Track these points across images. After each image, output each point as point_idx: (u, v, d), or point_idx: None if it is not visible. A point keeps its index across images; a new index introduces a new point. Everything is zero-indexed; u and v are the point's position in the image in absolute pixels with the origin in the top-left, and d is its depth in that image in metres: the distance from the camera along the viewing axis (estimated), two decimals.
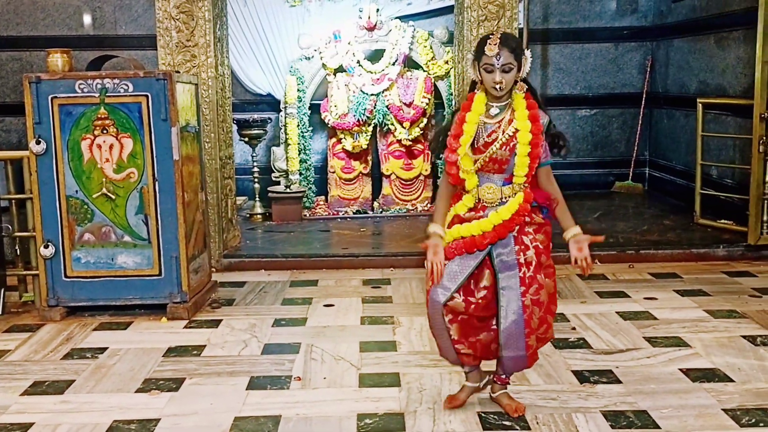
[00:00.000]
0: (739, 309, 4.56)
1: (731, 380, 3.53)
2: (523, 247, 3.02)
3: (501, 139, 2.95)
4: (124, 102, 4.40)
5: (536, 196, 3.05)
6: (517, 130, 2.94)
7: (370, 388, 3.51)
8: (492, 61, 2.87)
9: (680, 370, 3.66)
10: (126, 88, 4.39)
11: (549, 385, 3.52)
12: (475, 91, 3.03)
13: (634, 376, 3.59)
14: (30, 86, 4.37)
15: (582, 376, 3.60)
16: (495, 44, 2.86)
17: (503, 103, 2.98)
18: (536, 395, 3.40)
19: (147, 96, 4.39)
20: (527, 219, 3.03)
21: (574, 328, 4.27)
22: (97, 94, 4.38)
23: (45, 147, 4.42)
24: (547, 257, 3.12)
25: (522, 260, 3.02)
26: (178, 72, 4.74)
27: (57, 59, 4.51)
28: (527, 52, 2.95)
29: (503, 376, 3.24)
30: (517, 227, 3.02)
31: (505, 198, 3.01)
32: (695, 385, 3.49)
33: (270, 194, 7.22)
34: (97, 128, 4.42)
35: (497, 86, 2.90)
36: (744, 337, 4.09)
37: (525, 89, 3.00)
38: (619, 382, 3.53)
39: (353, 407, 3.31)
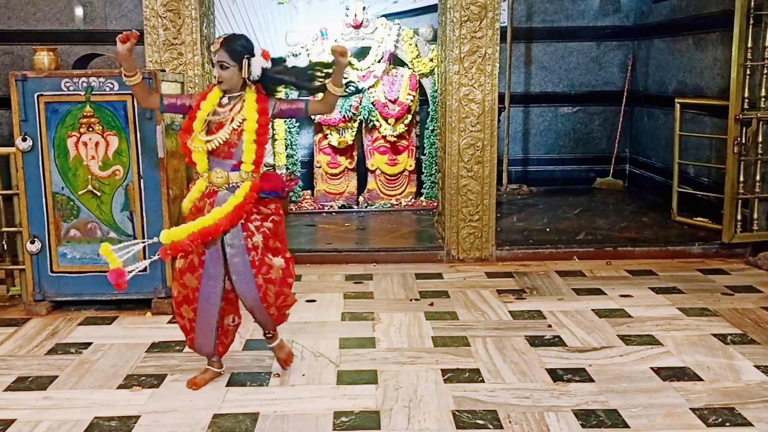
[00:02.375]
0: (711, 307, 4.65)
1: (700, 379, 3.61)
2: (249, 233, 3.38)
3: (232, 126, 3.31)
4: (109, 100, 4.45)
5: (265, 186, 3.40)
6: (245, 119, 3.31)
7: (347, 386, 3.58)
8: (212, 57, 3.31)
9: (651, 368, 3.74)
10: (111, 86, 4.44)
11: (523, 383, 3.59)
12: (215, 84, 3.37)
13: (607, 375, 3.67)
14: (16, 84, 4.42)
15: (556, 375, 3.68)
16: (217, 43, 3.28)
17: (234, 95, 3.36)
18: (510, 393, 3.48)
19: (132, 94, 4.44)
20: (255, 209, 3.38)
21: (550, 326, 4.36)
22: (82, 92, 4.43)
23: (31, 144, 4.47)
24: (276, 240, 3.47)
25: (250, 245, 3.38)
26: (163, 70, 4.79)
27: (43, 57, 4.55)
28: (254, 59, 3.29)
29: (268, 334, 3.68)
30: (245, 215, 3.36)
31: (233, 183, 3.36)
32: (665, 384, 3.57)
33: None
34: (83, 126, 4.47)
35: (216, 80, 3.31)
36: (715, 335, 4.18)
37: (253, 88, 3.35)
38: (592, 380, 3.61)
39: (330, 405, 3.38)
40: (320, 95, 3.43)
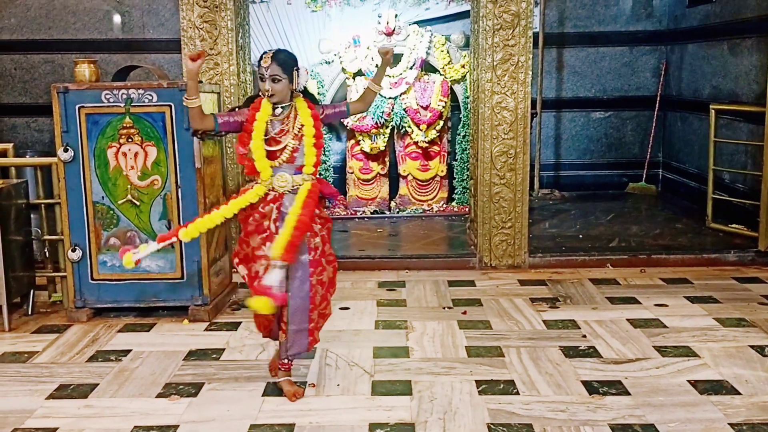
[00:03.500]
0: (748, 317, 4.60)
1: (738, 393, 3.57)
2: (312, 233, 3.50)
3: (293, 132, 3.48)
4: (148, 111, 4.53)
5: (324, 189, 3.59)
6: (303, 125, 3.49)
7: (382, 396, 3.59)
8: (262, 71, 3.42)
9: (688, 381, 3.70)
10: (150, 98, 4.51)
11: (558, 396, 3.58)
12: (261, 96, 3.50)
13: (643, 388, 3.64)
14: (58, 96, 4.51)
15: (591, 387, 3.66)
16: (268, 58, 3.40)
17: (285, 104, 3.50)
18: (545, 406, 3.47)
19: (170, 106, 4.51)
20: (316, 211, 3.50)
21: (584, 336, 4.34)
22: (122, 104, 4.51)
23: (72, 155, 4.56)
24: (329, 248, 3.62)
25: (312, 245, 3.51)
26: (200, 81, 4.85)
27: (84, 69, 4.63)
28: (302, 69, 3.49)
29: (285, 361, 3.64)
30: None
31: (296, 186, 3.49)
32: (703, 397, 3.53)
33: None
34: (123, 137, 4.55)
35: (266, 93, 3.43)
36: (752, 347, 4.14)
37: (301, 97, 3.54)
38: (628, 393, 3.58)
39: (365, 416, 3.40)
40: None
